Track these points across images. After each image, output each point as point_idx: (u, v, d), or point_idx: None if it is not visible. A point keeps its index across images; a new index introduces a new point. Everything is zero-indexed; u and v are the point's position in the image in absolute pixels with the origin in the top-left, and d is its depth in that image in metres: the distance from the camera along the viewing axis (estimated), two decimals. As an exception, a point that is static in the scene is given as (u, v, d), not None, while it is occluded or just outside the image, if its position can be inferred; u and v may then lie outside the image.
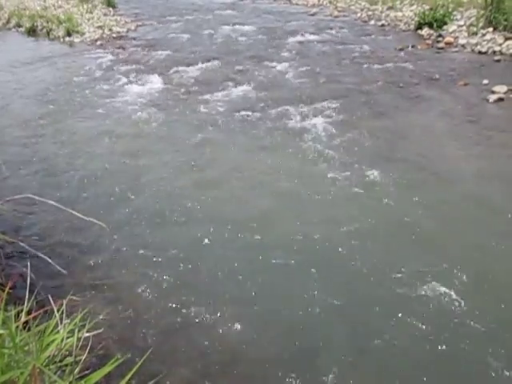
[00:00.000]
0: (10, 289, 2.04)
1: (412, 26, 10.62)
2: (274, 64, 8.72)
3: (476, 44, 8.83)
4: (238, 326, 3.17)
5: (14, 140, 6.41)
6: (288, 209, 4.47)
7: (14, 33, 13.67)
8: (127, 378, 1.56)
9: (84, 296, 3.38)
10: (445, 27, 9.86)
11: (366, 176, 4.82)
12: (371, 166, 4.99)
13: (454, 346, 2.92)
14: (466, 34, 9.35)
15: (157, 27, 12.76)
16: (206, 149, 5.69)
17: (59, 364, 1.75)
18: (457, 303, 3.21)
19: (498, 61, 8.09)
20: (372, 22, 11.64)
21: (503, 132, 5.68)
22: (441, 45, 9.26)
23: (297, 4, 14.73)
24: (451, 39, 9.32)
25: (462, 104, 6.54)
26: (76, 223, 4.23)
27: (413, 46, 9.30)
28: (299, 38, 10.53)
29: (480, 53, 8.59)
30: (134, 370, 1.58)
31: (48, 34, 12.58)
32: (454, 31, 9.65)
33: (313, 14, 13.06)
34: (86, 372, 1.72)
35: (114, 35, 12.00)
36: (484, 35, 9.00)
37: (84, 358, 1.85)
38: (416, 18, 10.53)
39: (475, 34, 9.18)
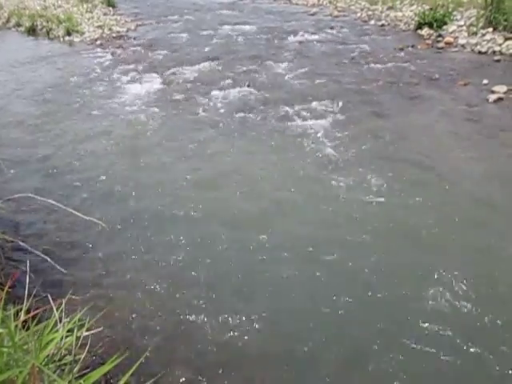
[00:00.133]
0: (10, 288, 2.04)
1: (412, 26, 10.61)
2: (274, 64, 8.71)
3: (476, 44, 8.82)
4: (237, 326, 3.17)
5: (14, 140, 6.42)
6: (288, 209, 4.46)
7: (13, 32, 13.68)
8: (126, 376, 1.56)
9: (83, 295, 3.39)
10: (445, 27, 9.84)
11: (366, 176, 4.81)
12: (371, 166, 4.99)
13: (454, 346, 2.92)
14: (465, 34, 9.34)
15: (157, 27, 12.76)
16: (206, 150, 5.69)
17: (58, 363, 1.75)
18: (457, 304, 3.21)
19: (498, 61, 8.09)
20: (372, 22, 11.62)
21: (503, 131, 5.68)
22: (441, 45, 9.25)
23: (297, 4, 14.71)
24: (451, 39, 9.30)
25: (461, 104, 6.54)
26: (75, 222, 4.24)
27: (413, 46, 9.29)
28: (299, 37, 10.52)
29: (480, 53, 8.57)
30: (133, 368, 1.58)
31: (48, 33, 12.58)
32: (453, 31, 9.63)
33: (313, 14, 13.05)
34: (86, 371, 1.73)
35: (114, 35, 12.00)
36: (484, 35, 8.99)
37: (83, 356, 1.85)
38: (416, 18, 10.51)
39: (475, 34, 9.17)
